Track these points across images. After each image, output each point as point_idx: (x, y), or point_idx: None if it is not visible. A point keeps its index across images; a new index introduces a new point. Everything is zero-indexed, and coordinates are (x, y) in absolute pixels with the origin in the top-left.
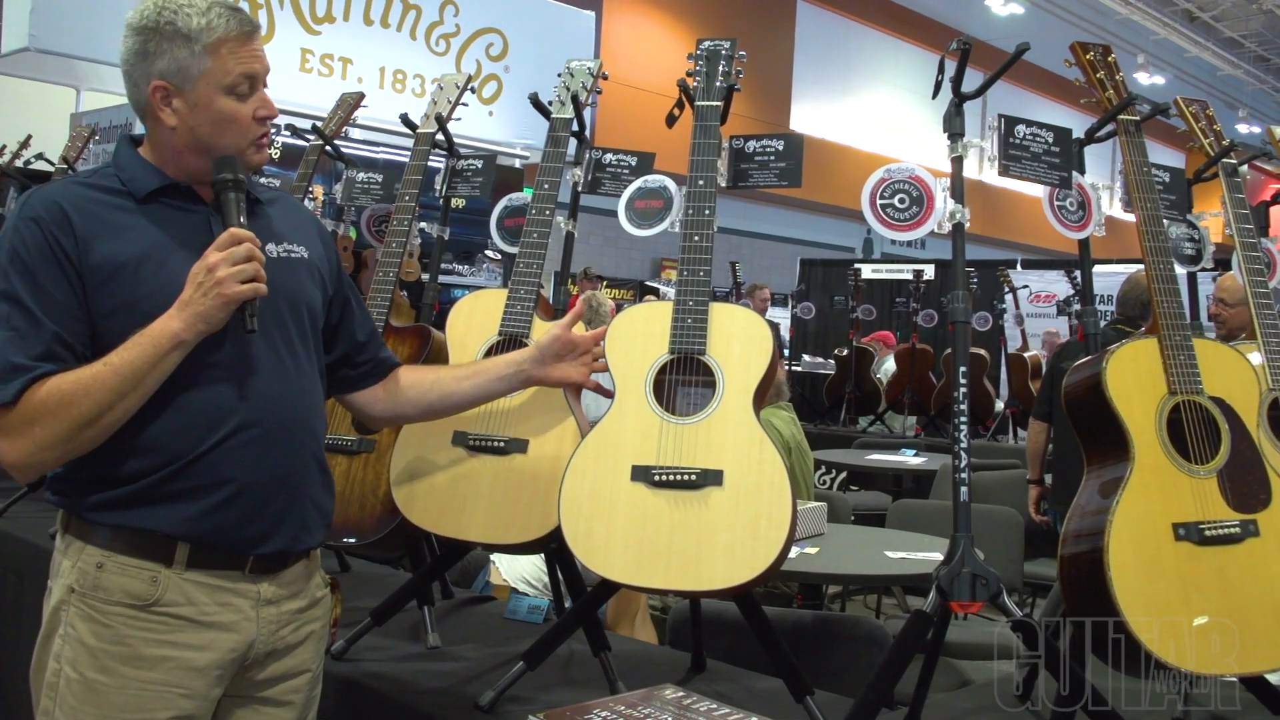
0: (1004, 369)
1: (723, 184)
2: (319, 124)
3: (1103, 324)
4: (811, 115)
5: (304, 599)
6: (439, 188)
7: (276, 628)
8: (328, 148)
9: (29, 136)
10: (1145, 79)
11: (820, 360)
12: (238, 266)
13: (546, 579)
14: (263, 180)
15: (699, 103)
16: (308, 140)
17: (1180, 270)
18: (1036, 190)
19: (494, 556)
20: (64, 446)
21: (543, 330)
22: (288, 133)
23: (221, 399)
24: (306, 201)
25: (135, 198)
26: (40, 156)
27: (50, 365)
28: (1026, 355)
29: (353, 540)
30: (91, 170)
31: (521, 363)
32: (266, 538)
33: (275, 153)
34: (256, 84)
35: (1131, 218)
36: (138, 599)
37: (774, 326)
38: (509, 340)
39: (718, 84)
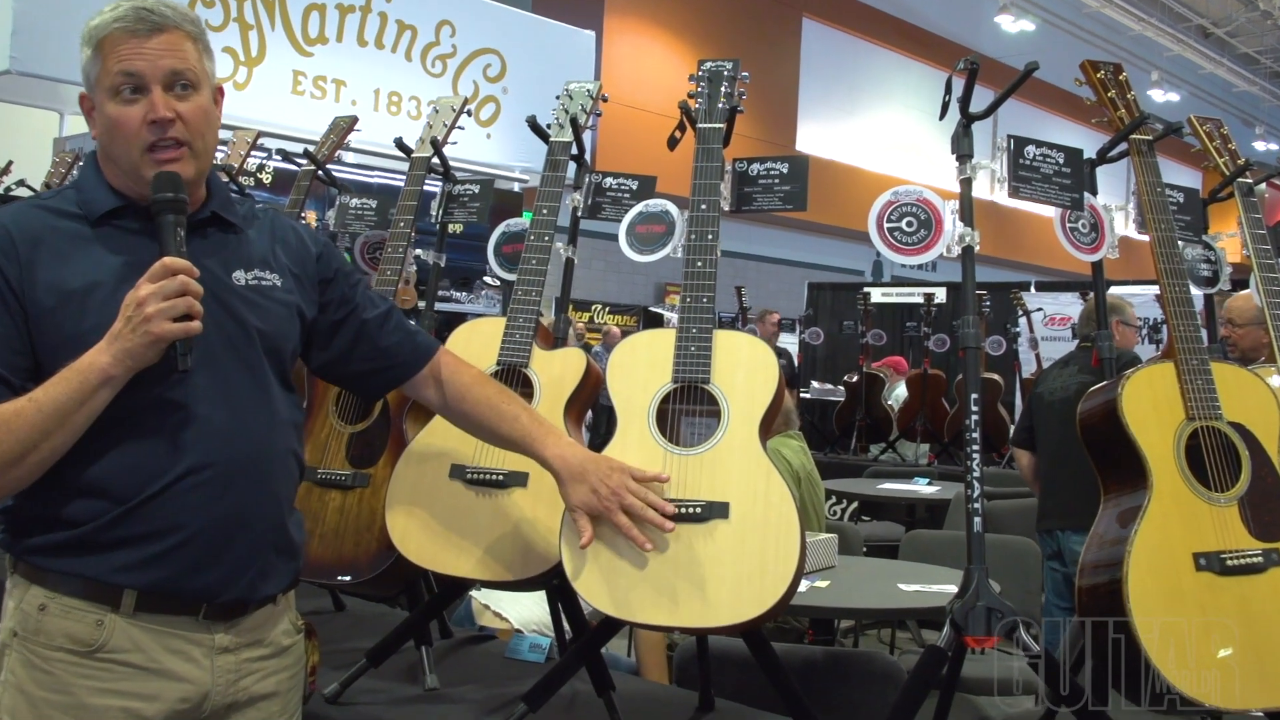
0: (1019, 394)
1: (726, 207)
2: (311, 148)
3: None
4: (817, 136)
5: (268, 646)
6: (435, 213)
7: (236, 677)
8: (320, 172)
9: (10, 163)
10: (1159, 96)
11: (829, 387)
12: (168, 302)
13: (548, 618)
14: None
15: (701, 125)
16: (299, 165)
17: (1196, 292)
18: (1049, 210)
19: (487, 593)
20: None
21: (541, 360)
22: (279, 157)
23: (172, 439)
24: None
25: (89, 221)
26: (22, 183)
27: None
28: None
29: (347, 578)
30: (54, 191)
31: (557, 471)
32: (220, 586)
33: (267, 178)
34: (144, 84)
35: (1146, 238)
36: (81, 644)
37: (785, 354)
38: (507, 370)
39: (720, 105)
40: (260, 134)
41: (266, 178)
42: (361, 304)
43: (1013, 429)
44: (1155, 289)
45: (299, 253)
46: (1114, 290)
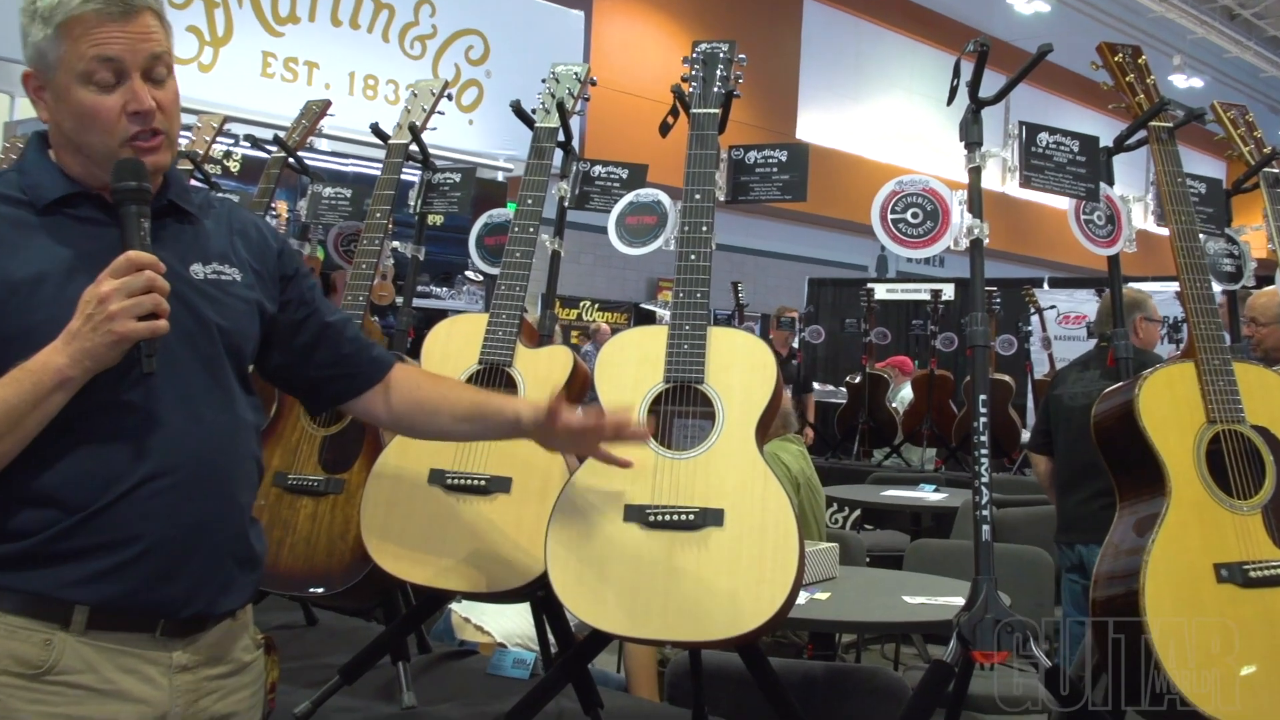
0: (1030, 396)
1: (721, 198)
2: (281, 134)
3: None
4: (819, 123)
5: (228, 664)
6: (413, 203)
7: (195, 697)
8: (291, 160)
9: None
10: (1182, 81)
11: (831, 388)
12: (134, 299)
13: (532, 631)
14: (221, 193)
15: (695, 110)
16: (269, 152)
17: (1218, 288)
18: (1063, 202)
19: (468, 606)
20: None
21: (526, 359)
22: (247, 144)
23: (129, 443)
24: (269, 219)
25: (35, 208)
26: None
27: None
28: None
29: (320, 590)
30: None
31: (522, 424)
32: (180, 601)
33: (234, 165)
34: (124, 71)
35: (1166, 231)
36: (28, 666)
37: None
38: (490, 369)
39: (715, 90)
40: (227, 119)
41: (234, 166)
42: (322, 308)
43: (1028, 433)
44: (1175, 285)
45: (259, 246)
46: (1133, 285)
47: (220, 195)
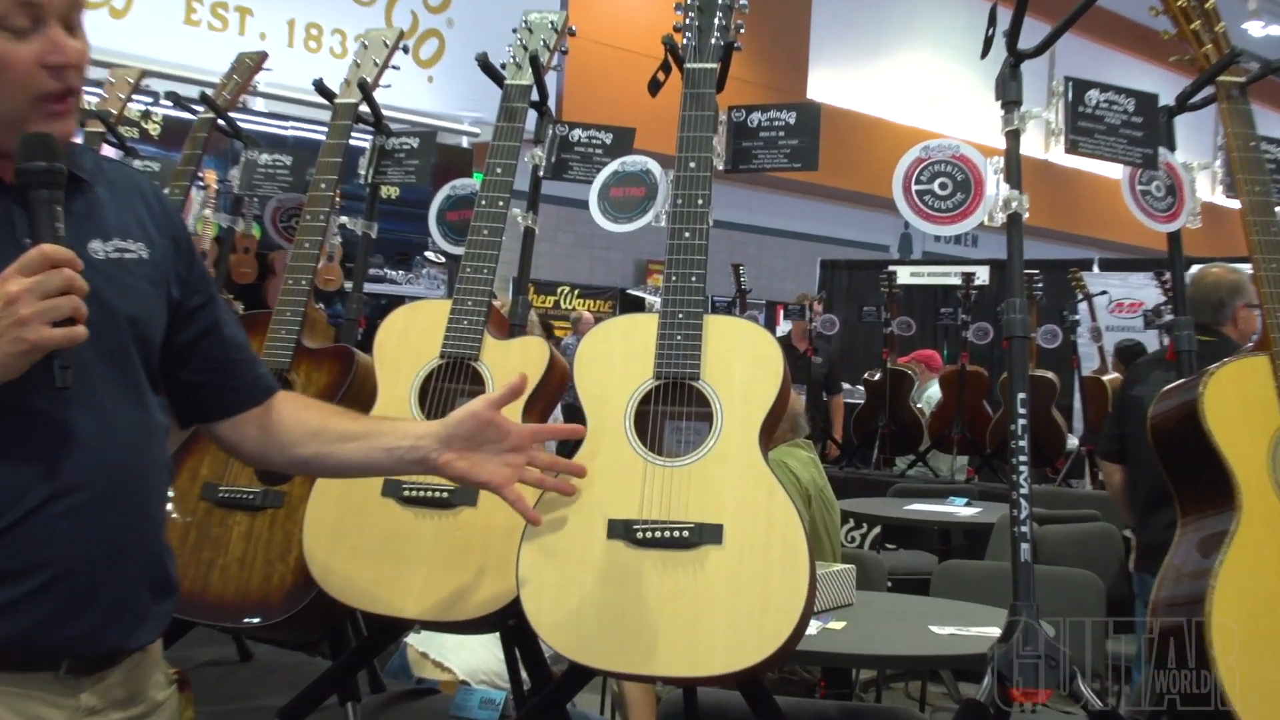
0: (1077, 395)
1: (720, 166)
2: (209, 92)
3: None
4: (832, 81)
5: (141, 704)
6: (364, 173)
7: None
8: (221, 122)
9: None
10: (1257, 29)
11: (846, 387)
12: (48, 302)
13: (500, 667)
14: (138, 162)
15: (690, 65)
16: (195, 113)
17: None
18: (1116, 170)
19: (428, 637)
20: None
21: (494, 351)
22: (169, 103)
23: (32, 455)
24: (196, 191)
25: None
26: None
27: None
28: (1106, 379)
29: (256, 621)
30: None
31: (421, 439)
32: (91, 636)
33: (154, 128)
34: (42, 17)
35: (1236, 204)
36: None
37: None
38: (453, 364)
39: (713, 41)
40: (145, 73)
41: (154, 128)
42: (219, 301)
43: (1074, 438)
44: (1246, 266)
45: (161, 217)
46: (1230, 265)
47: (109, 158)
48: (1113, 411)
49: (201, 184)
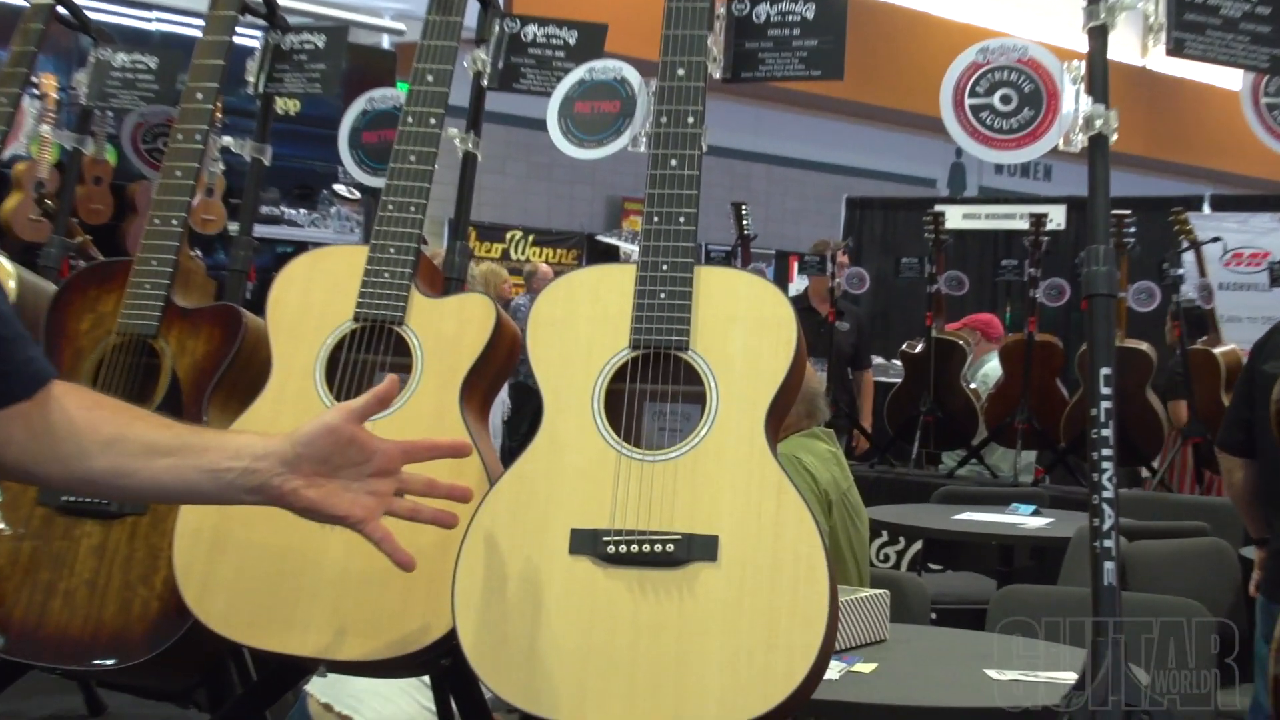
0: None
1: (717, 75)
2: None
3: None
4: None
5: None
6: (254, 80)
7: None
8: (62, 9)
9: None
10: None
11: (880, 361)
12: None
13: (428, 717)
14: None
15: None
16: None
17: None
18: (1234, 79)
19: (334, 681)
20: None
21: (424, 313)
22: None
23: None
24: (28, 101)
25: None
26: None
27: None
28: (1219, 351)
29: (110, 663)
30: None
31: (260, 459)
32: None
33: None
34: None
35: None
36: None
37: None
38: (371, 330)
39: None
40: None
41: None
42: None
43: (1221, 429)
44: None
45: None
46: None
47: None
48: (1235, 393)
49: (36, 92)
